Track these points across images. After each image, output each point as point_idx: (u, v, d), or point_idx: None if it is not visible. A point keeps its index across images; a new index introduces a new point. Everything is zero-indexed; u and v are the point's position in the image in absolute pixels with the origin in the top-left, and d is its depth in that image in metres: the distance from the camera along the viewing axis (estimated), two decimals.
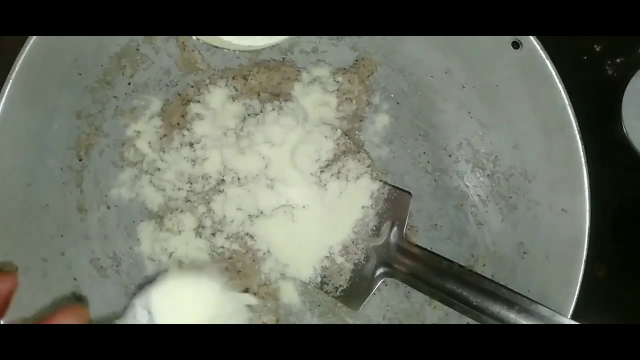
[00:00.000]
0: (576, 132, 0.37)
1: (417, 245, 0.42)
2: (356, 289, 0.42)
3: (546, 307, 0.36)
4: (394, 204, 0.42)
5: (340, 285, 0.42)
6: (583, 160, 0.37)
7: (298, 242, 0.42)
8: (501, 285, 0.38)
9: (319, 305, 0.44)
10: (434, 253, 0.42)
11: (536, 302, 0.37)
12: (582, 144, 0.37)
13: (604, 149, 0.45)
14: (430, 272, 0.40)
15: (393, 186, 0.42)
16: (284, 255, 0.42)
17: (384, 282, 0.42)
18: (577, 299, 0.39)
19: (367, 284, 0.42)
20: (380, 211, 0.42)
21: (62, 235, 0.40)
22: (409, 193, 0.42)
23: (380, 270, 0.41)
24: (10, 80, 0.36)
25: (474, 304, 0.38)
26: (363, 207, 0.42)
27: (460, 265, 0.41)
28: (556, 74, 0.37)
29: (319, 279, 0.42)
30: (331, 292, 0.42)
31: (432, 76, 0.43)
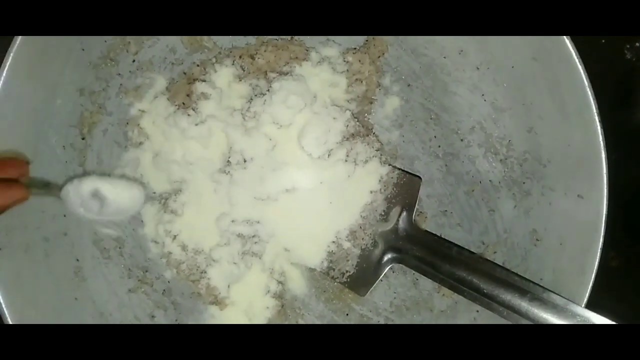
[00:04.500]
0: (595, 114, 0.36)
1: (426, 231, 0.41)
2: (363, 275, 0.41)
3: (559, 295, 0.35)
4: (403, 188, 0.41)
5: (347, 271, 0.41)
6: (602, 143, 0.36)
7: (304, 227, 0.41)
8: (513, 272, 0.37)
9: (324, 291, 0.43)
10: (443, 239, 0.41)
11: (549, 290, 0.36)
12: (601, 127, 0.36)
13: (621, 136, 0.44)
14: (439, 258, 0.39)
15: (402, 170, 0.41)
16: (290, 240, 0.41)
17: (391, 268, 0.41)
18: (591, 288, 0.38)
19: (374, 270, 0.41)
20: (389, 196, 0.41)
21: (64, 215, 0.40)
22: (419, 177, 0.41)
23: (387, 256, 0.41)
24: (12, 54, 0.35)
25: (485, 291, 0.37)
26: (371, 192, 0.41)
27: (471, 252, 0.40)
28: (576, 54, 0.36)
29: (325, 265, 0.41)
30: (337, 277, 0.41)
31: (445, 57, 0.41)
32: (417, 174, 0.42)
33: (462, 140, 0.42)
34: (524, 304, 0.36)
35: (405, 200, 0.41)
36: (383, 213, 0.41)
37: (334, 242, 0.41)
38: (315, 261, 0.41)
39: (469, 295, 0.38)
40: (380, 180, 0.41)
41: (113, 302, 0.41)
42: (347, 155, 0.41)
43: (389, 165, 0.41)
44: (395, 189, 0.41)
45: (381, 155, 0.42)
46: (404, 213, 0.40)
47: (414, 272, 0.42)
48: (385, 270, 0.41)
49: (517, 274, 0.37)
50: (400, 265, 0.41)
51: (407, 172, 0.41)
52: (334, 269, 0.41)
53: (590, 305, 0.37)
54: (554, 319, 0.35)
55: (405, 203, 0.41)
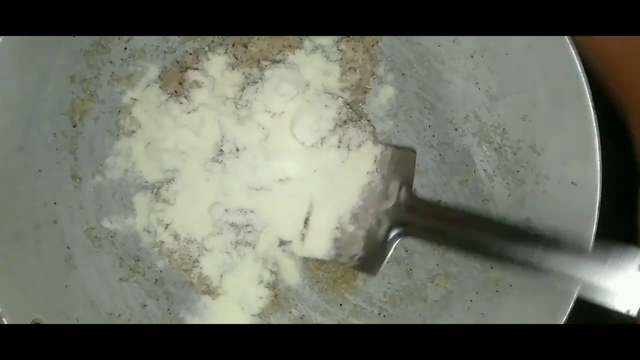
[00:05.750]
0: (589, 100, 0.36)
1: (428, 200, 0.41)
2: (372, 255, 0.40)
3: (569, 243, 0.35)
4: (399, 164, 0.40)
5: (355, 254, 0.40)
6: (595, 130, 0.36)
7: (303, 217, 0.41)
8: (521, 228, 0.37)
9: (318, 282, 0.43)
10: (446, 205, 0.40)
11: (559, 240, 0.35)
12: (594, 113, 0.36)
13: (616, 125, 0.43)
14: (446, 223, 0.38)
15: (395, 146, 0.41)
16: (289, 231, 0.41)
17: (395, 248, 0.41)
18: None
19: (382, 248, 0.40)
20: (385, 174, 0.40)
21: (55, 203, 0.39)
22: (413, 151, 0.41)
23: (394, 232, 0.40)
24: (1, 39, 0.35)
25: (495, 249, 0.36)
26: (368, 173, 0.41)
27: (476, 213, 0.39)
28: (569, 39, 0.36)
29: (333, 252, 0.41)
30: (347, 262, 0.41)
31: (439, 45, 0.41)
32: (411, 147, 0.41)
33: (456, 129, 0.42)
34: (535, 256, 0.34)
35: (403, 174, 0.40)
36: (382, 191, 0.40)
37: (337, 228, 0.41)
38: (322, 251, 0.41)
39: (479, 256, 0.37)
40: (375, 161, 0.41)
41: (104, 290, 0.40)
42: (340, 142, 0.40)
43: (381, 143, 0.41)
44: (391, 165, 0.40)
45: (374, 136, 0.41)
46: (403, 187, 0.40)
47: (407, 262, 0.41)
48: (394, 246, 0.40)
49: (526, 228, 0.37)
50: (394, 255, 0.41)
51: (400, 147, 0.41)
52: (341, 255, 0.40)
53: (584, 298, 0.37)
54: (566, 267, 0.34)
55: (403, 177, 0.40)
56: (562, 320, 0.36)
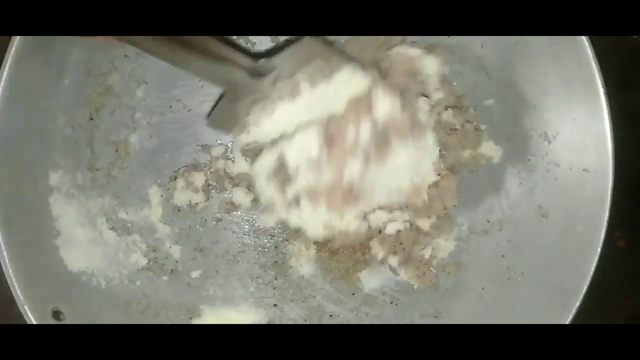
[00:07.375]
0: (600, 87, 0.36)
1: None
2: None
3: None
4: None
5: None
6: (607, 116, 0.36)
7: None
8: None
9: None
10: None
11: None
12: (606, 99, 0.36)
13: (628, 115, 0.43)
14: None
15: None
16: None
17: None
18: (596, 267, 0.38)
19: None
20: None
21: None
22: None
23: None
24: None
25: None
26: None
27: None
28: None
29: None
30: None
31: (449, 36, 0.41)
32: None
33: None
34: None
35: None
36: None
37: None
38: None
39: None
40: None
41: (122, 280, 0.41)
42: None
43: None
44: None
45: None
46: None
47: None
48: None
49: None
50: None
51: None
52: None
53: (596, 285, 0.37)
54: None
55: None
56: (575, 306, 0.36)
